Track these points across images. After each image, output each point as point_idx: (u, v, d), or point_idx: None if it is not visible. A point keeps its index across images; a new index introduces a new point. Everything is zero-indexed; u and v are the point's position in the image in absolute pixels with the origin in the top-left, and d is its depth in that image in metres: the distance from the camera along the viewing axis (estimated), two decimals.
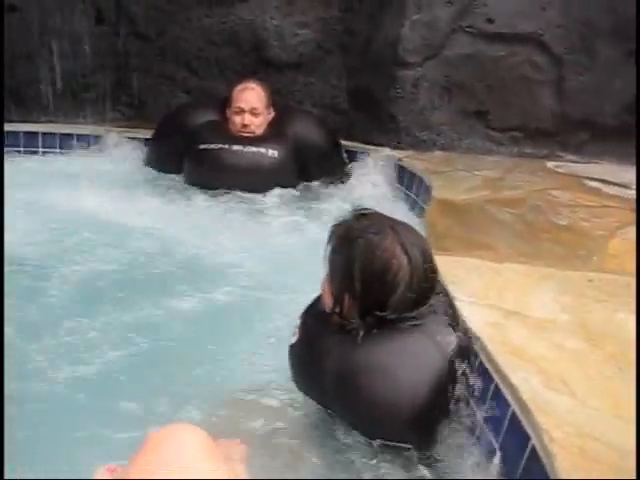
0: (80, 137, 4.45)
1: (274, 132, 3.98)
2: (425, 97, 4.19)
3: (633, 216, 3.00)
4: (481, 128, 4.24)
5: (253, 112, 3.95)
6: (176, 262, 3.06)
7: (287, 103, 4.37)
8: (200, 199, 3.77)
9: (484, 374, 1.85)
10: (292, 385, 2.04)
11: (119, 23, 4.60)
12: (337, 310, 1.91)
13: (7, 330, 2.32)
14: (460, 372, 1.89)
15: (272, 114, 4.04)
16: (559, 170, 3.94)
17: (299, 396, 2.02)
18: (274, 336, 2.28)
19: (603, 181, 3.64)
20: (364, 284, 1.85)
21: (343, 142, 4.20)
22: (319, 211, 3.57)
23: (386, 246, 1.85)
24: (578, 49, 4.08)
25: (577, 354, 1.87)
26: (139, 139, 4.39)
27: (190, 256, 3.12)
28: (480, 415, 1.84)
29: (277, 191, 3.86)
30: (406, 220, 2.13)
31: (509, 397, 1.71)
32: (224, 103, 4.04)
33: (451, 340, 1.87)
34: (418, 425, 1.82)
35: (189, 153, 3.99)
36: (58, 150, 4.44)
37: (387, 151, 4.12)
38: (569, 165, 4.02)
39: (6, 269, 2.56)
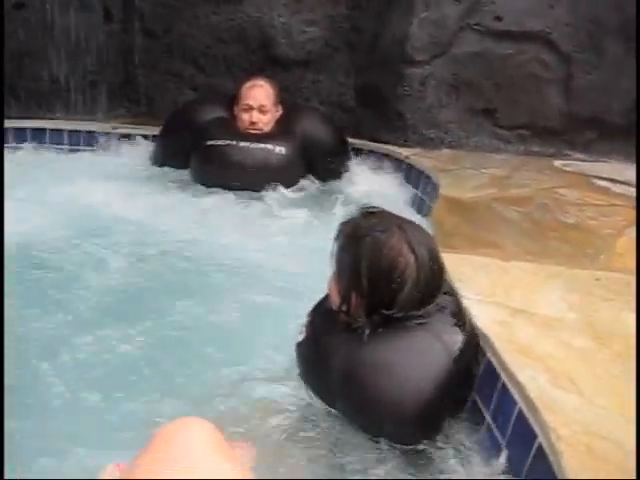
0: (87, 133, 4.46)
1: (282, 129, 3.98)
2: (433, 95, 4.18)
3: None
4: (489, 126, 4.24)
5: (261, 109, 3.95)
6: (185, 259, 3.06)
7: (295, 100, 4.37)
8: (207, 196, 3.76)
9: (491, 372, 1.86)
10: (300, 384, 2.04)
11: (127, 20, 4.61)
12: (344, 308, 1.91)
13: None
14: (467, 371, 1.89)
15: (280, 112, 4.03)
16: (566, 169, 3.93)
17: (306, 395, 2.02)
18: (285, 335, 2.25)
19: (611, 180, 3.63)
20: (371, 282, 1.85)
21: (350, 140, 4.19)
22: (326, 208, 3.56)
23: (393, 244, 1.85)
24: (586, 47, 4.07)
25: (584, 352, 1.87)
26: (146, 136, 4.39)
27: (199, 254, 3.11)
28: (487, 413, 1.85)
29: (284, 188, 3.85)
30: (413, 218, 2.14)
31: (516, 395, 1.71)
32: (232, 100, 4.04)
33: (458, 339, 1.86)
34: (424, 424, 1.82)
35: (196, 149, 3.99)
36: (66, 146, 4.45)
37: (394, 149, 4.11)
38: (577, 164, 4.01)
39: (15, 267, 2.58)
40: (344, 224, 1.96)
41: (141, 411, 2.03)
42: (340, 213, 2.71)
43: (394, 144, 4.19)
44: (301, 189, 3.92)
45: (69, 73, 4.58)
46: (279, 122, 4.01)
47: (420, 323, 1.86)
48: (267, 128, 3.97)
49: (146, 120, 4.61)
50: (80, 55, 4.56)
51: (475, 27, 4.10)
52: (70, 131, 4.48)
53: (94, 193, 3.60)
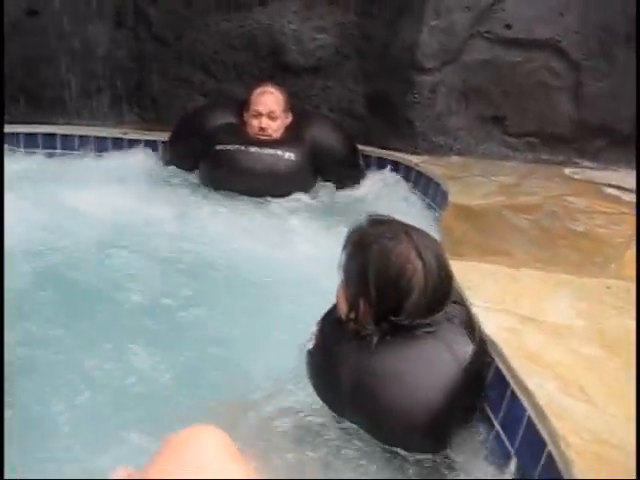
0: (98, 139, 4.48)
1: (291, 136, 3.99)
2: (442, 102, 4.19)
3: None
4: (498, 134, 4.24)
5: (271, 116, 3.96)
6: (195, 265, 3.08)
7: (304, 107, 4.38)
8: (216, 201, 3.77)
9: (500, 379, 1.86)
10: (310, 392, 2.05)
11: (138, 27, 4.63)
12: (352, 316, 1.92)
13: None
14: (476, 380, 1.89)
15: (289, 118, 4.04)
16: (576, 176, 3.93)
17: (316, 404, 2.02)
18: (295, 342, 2.26)
19: (620, 188, 3.63)
20: (379, 289, 1.85)
21: (359, 147, 4.20)
22: (335, 215, 3.57)
23: (400, 251, 1.85)
24: (596, 55, 4.06)
25: (594, 360, 1.87)
26: (156, 141, 4.41)
27: (208, 259, 3.12)
28: (496, 420, 1.85)
29: (293, 194, 3.86)
30: (422, 225, 2.13)
31: (525, 402, 1.72)
32: (242, 106, 4.05)
33: (467, 348, 1.86)
34: (433, 433, 1.83)
35: (206, 154, 4.00)
36: (76, 152, 4.47)
37: (403, 156, 4.12)
38: (586, 171, 4.00)
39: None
40: (351, 232, 1.97)
41: (152, 418, 2.04)
42: (348, 220, 2.71)
43: (403, 151, 4.19)
44: (310, 196, 3.92)
45: (80, 79, 4.60)
46: (289, 129, 4.02)
47: (429, 332, 1.86)
48: (277, 134, 3.98)
49: (156, 126, 4.62)
50: (91, 61, 4.58)
51: (485, 35, 4.10)
52: (80, 136, 4.50)
53: (106, 199, 3.61)
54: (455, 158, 4.19)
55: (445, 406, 1.80)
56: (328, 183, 4.03)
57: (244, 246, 3.22)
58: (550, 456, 1.55)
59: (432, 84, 4.16)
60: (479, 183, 3.71)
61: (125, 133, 4.51)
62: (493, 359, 1.92)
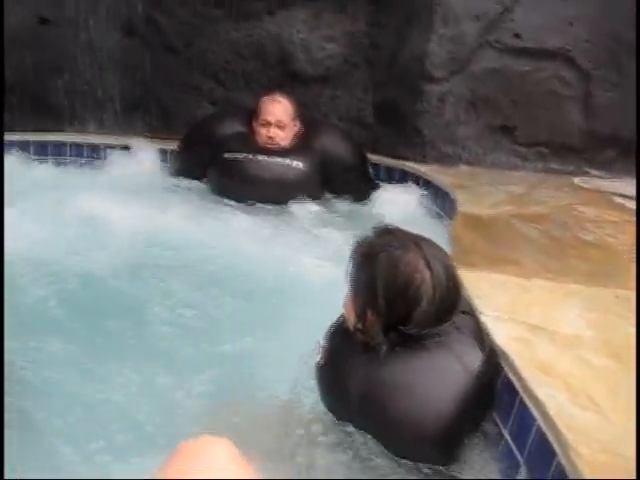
0: (107, 147, 4.50)
1: (300, 145, 3.99)
2: (451, 111, 4.19)
3: None
4: (507, 143, 4.23)
5: (279, 125, 3.97)
6: (204, 273, 3.09)
7: (313, 116, 4.39)
8: (226, 209, 3.78)
9: (510, 389, 1.85)
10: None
11: (148, 35, 4.65)
12: (360, 327, 1.91)
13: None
14: (486, 390, 1.88)
15: (298, 127, 4.05)
16: (585, 186, 3.92)
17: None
18: (305, 353, 2.26)
19: (630, 197, 3.61)
20: (387, 299, 1.84)
21: (368, 156, 4.20)
22: (344, 224, 3.57)
23: (409, 260, 1.84)
24: (606, 64, 4.07)
25: (604, 371, 1.86)
26: (166, 149, 4.42)
27: (218, 267, 3.13)
28: (505, 430, 1.84)
29: (301, 203, 3.86)
30: (431, 234, 2.12)
31: (535, 413, 1.70)
32: (251, 115, 4.06)
33: (477, 358, 1.85)
34: (443, 445, 1.81)
35: (214, 162, 4.02)
36: (85, 160, 4.49)
37: (412, 165, 4.12)
38: (596, 181, 4.00)
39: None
40: (359, 242, 1.95)
41: (162, 425, 2.04)
42: (356, 229, 2.70)
43: (412, 160, 4.20)
44: (319, 204, 3.92)
45: (90, 87, 4.63)
46: (298, 137, 4.03)
47: (438, 342, 1.85)
48: (285, 143, 3.99)
49: (165, 134, 4.64)
50: (102, 69, 4.61)
51: (494, 44, 4.11)
52: (90, 145, 4.52)
53: (112, 206, 3.61)
54: (464, 167, 4.18)
55: (455, 417, 1.79)
56: (337, 191, 4.03)
57: (255, 254, 3.23)
58: (560, 466, 1.53)
59: (441, 93, 4.16)
60: (488, 192, 3.70)
61: (134, 141, 4.52)
62: (503, 369, 1.91)
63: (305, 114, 4.16)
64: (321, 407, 2.02)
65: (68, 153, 4.50)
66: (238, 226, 3.58)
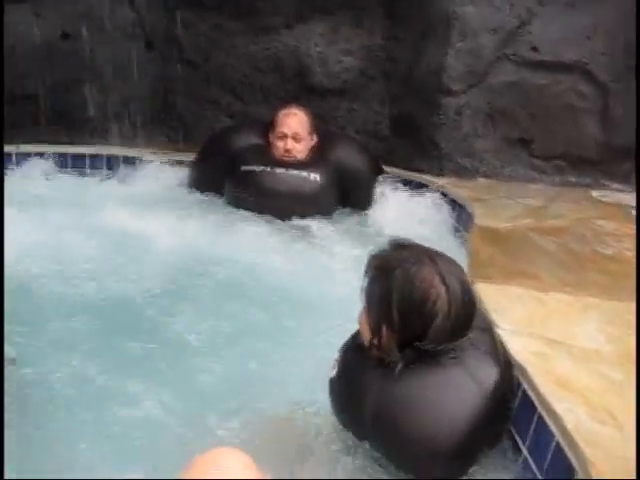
0: (126, 159, 4.53)
1: (317, 157, 4.00)
2: (468, 124, 4.19)
3: None
4: (524, 156, 4.22)
5: (296, 137, 3.98)
6: (223, 284, 3.11)
7: (329, 128, 4.41)
8: (242, 221, 3.78)
9: (528, 404, 1.84)
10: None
11: (167, 50, 4.70)
12: (375, 342, 1.90)
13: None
14: (502, 407, 1.87)
15: (315, 140, 4.06)
16: (603, 199, 3.90)
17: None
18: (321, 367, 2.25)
19: None
20: (402, 314, 1.84)
21: (385, 168, 4.21)
22: (361, 237, 3.57)
23: (424, 276, 1.84)
24: (623, 77, 4.05)
25: (623, 385, 1.85)
26: (183, 162, 4.45)
27: (237, 278, 3.16)
28: (523, 446, 1.83)
29: (318, 215, 3.87)
30: (448, 248, 2.13)
31: (553, 428, 1.70)
32: (267, 127, 4.08)
33: (493, 375, 1.85)
34: (456, 460, 1.81)
35: (231, 175, 4.02)
36: (105, 172, 4.53)
37: (429, 178, 4.12)
38: (614, 194, 3.97)
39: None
40: (374, 257, 1.95)
41: (178, 437, 2.04)
42: (373, 241, 2.71)
43: (429, 173, 4.19)
44: (336, 217, 3.93)
45: (110, 101, 4.67)
46: (314, 150, 4.04)
47: (453, 358, 1.84)
48: (301, 156, 3.99)
49: (184, 147, 4.67)
50: (121, 83, 4.65)
51: (511, 57, 4.11)
52: (109, 157, 4.56)
53: (130, 217, 3.64)
54: (481, 180, 4.18)
55: (469, 433, 1.78)
56: (353, 204, 4.03)
57: (272, 266, 3.25)
58: None
59: (458, 106, 4.17)
60: (505, 205, 3.70)
61: (153, 153, 4.55)
62: (519, 384, 1.90)
63: (321, 126, 4.17)
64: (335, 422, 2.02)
65: (87, 165, 4.54)
66: (255, 238, 3.58)
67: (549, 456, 1.68)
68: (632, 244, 3.05)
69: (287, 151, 3.96)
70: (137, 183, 4.31)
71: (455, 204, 3.81)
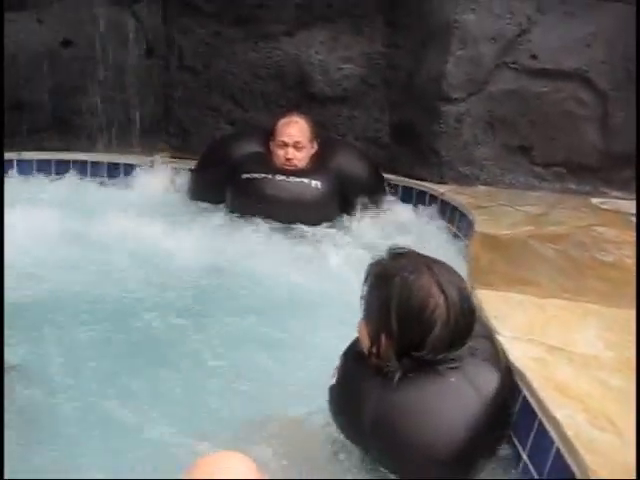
0: (127, 166, 4.54)
1: (317, 164, 4.00)
2: (468, 132, 4.20)
3: None
4: (524, 164, 4.23)
5: (296, 146, 3.97)
6: (223, 289, 3.13)
7: (330, 135, 4.41)
8: (244, 229, 3.78)
9: (528, 410, 1.84)
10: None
11: (168, 56, 4.71)
12: (374, 351, 1.90)
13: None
14: (502, 415, 1.87)
15: (315, 148, 4.06)
16: (603, 206, 3.91)
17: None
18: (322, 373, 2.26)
19: None
20: (400, 323, 1.84)
21: (385, 176, 4.22)
22: (361, 244, 3.57)
23: (422, 285, 1.84)
24: (623, 85, 4.06)
25: (622, 392, 1.85)
26: (184, 169, 4.46)
27: (237, 285, 3.17)
28: (523, 452, 1.83)
29: (319, 222, 3.87)
30: (448, 255, 2.13)
31: (553, 434, 1.70)
32: (268, 135, 4.09)
33: (491, 382, 1.85)
34: (455, 466, 1.80)
35: (232, 182, 4.02)
36: (105, 178, 4.54)
37: (429, 185, 4.13)
38: (614, 201, 3.98)
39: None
40: (372, 265, 1.96)
41: (176, 442, 2.04)
42: (373, 248, 2.71)
43: (429, 180, 4.20)
44: (336, 224, 3.93)
45: (111, 107, 4.69)
46: (315, 157, 4.04)
47: (452, 367, 1.84)
48: (303, 164, 3.99)
49: (184, 154, 4.68)
50: (122, 90, 4.67)
51: (511, 65, 4.12)
52: (110, 164, 4.57)
53: (131, 225, 3.64)
54: (481, 188, 4.18)
55: (469, 440, 1.78)
56: (354, 211, 4.03)
57: (273, 272, 3.26)
58: None
59: (458, 114, 4.18)
60: (506, 213, 3.71)
61: (152, 161, 4.56)
62: (520, 391, 1.90)
63: (322, 133, 4.18)
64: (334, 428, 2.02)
65: (88, 172, 4.55)
66: (255, 245, 3.59)
67: (549, 462, 1.68)
68: (632, 251, 3.06)
69: (288, 160, 3.95)
70: (138, 190, 4.32)
71: (456, 211, 3.82)
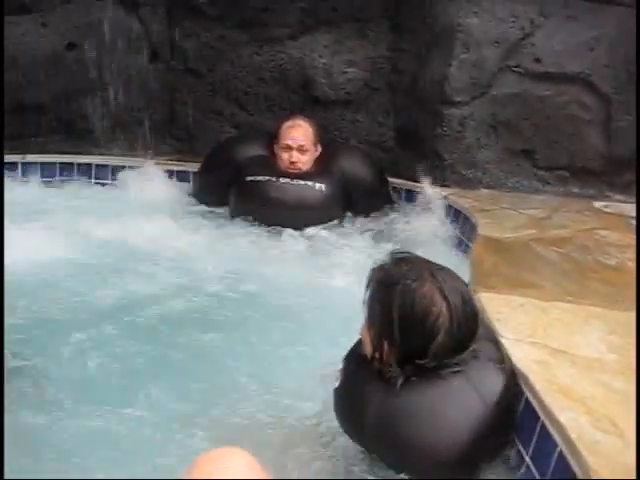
0: (131, 169, 4.55)
1: (321, 167, 4.00)
2: (471, 135, 4.21)
3: None
4: (528, 167, 4.24)
5: (300, 149, 3.97)
6: (225, 291, 3.12)
7: (333, 138, 4.42)
8: (247, 231, 3.81)
9: (531, 413, 1.84)
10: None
11: (172, 60, 4.73)
12: (376, 356, 1.91)
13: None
14: (505, 418, 1.87)
15: (319, 151, 4.07)
16: (606, 210, 3.91)
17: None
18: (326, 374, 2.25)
19: None
20: (403, 332, 1.84)
21: (389, 179, 4.23)
22: (365, 247, 3.59)
23: (425, 293, 1.84)
24: (625, 89, 4.07)
25: (625, 394, 1.85)
26: (188, 172, 4.47)
27: (240, 287, 3.17)
28: (526, 454, 1.83)
29: (324, 225, 3.88)
30: (451, 257, 2.13)
31: (556, 436, 1.70)
32: (272, 138, 4.09)
33: (495, 386, 1.85)
34: (459, 471, 1.81)
35: (236, 185, 4.03)
36: (110, 181, 4.55)
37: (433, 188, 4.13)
38: (617, 205, 3.99)
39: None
40: (375, 270, 1.95)
41: (177, 439, 2.05)
42: (376, 252, 2.73)
43: (432, 184, 4.20)
44: (340, 227, 3.93)
45: (115, 111, 4.70)
46: (319, 160, 4.04)
47: (455, 371, 1.84)
48: (306, 167, 3.99)
49: (188, 157, 4.69)
50: (126, 93, 4.69)
51: (514, 69, 4.13)
52: (115, 167, 4.58)
53: (135, 227, 3.67)
54: (485, 191, 4.19)
55: (472, 443, 1.79)
56: (358, 213, 4.04)
57: (277, 274, 3.27)
58: None
59: (461, 117, 4.19)
60: (509, 216, 3.71)
61: (157, 164, 4.57)
62: (522, 394, 1.91)
63: (325, 136, 4.19)
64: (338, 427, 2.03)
65: (93, 175, 4.56)
66: (258, 248, 3.61)
67: (552, 464, 1.69)
68: (634, 254, 3.06)
69: (292, 163, 3.95)
70: (142, 193, 4.33)
71: (459, 214, 3.83)
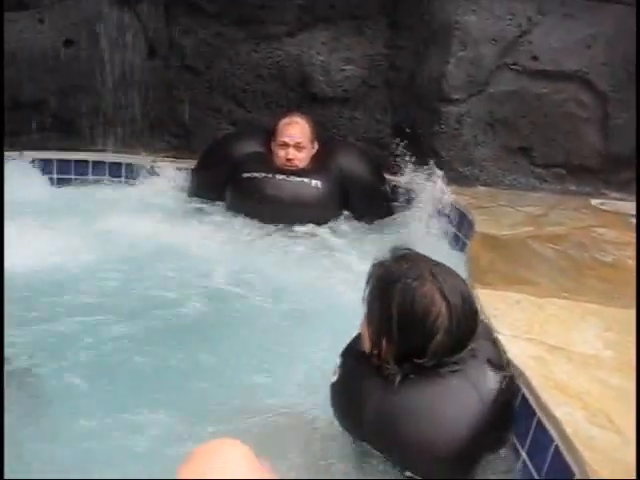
0: (129, 166, 4.55)
1: (318, 164, 4.01)
2: (469, 133, 4.21)
3: None
4: (525, 164, 4.25)
5: (297, 146, 3.98)
6: (222, 289, 3.12)
7: (330, 135, 4.42)
8: (244, 229, 3.80)
9: (527, 408, 1.85)
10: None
11: (170, 57, 4.72)
12: (375, 352, 1.91)
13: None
14: (503, 415, 1.88)
15: (316, 148, 4.07)
16: (603, 207, 3.93)
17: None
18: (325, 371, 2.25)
19: None
20: (402, 330, 1.85)
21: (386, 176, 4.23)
22: (363, 244, 3.60)
23: (424, 292, 1.84)
24: (623, 86, 4.08)
25: (621, 390, 1.86)
26: (185, 169, 4.47)
27: (236, 284, 3.17)
28: (522, 450, 1.84)
29: (320, 222, 3.88)
30: (448, 254, 2.13)
31: (552, 432, 1.71)
32: (269, 135, 4.09)
33: (493, 384, 1.86)
34: (457, 467, 1.82)
35: (232, 182, 4.03)
36: (107, 178, 4.55)
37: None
38: (613, 202, 4.00)
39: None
40: (375, 267, 1.95)
41: (176, 431, 2.06)
42: (375, 248, 2.72)
43: (430, 181, 4.20)
44: (337, 224, 3.93)
45: (113, 107, 4.70)
46: (316, 157, 4.04)
47: (454, 370, 1.85)
48: (303, 164, 3.99)
49: (186, 153, 4.68)
50: (124, 90, 4.68)
51: (512, 66, 4.14)
52: (111, 164, 4.58)
53: (132, 224, 3.67)
54: (482, 188, 4.20)
55: (470, 439, 1.79)
56: (355, 211, 4.04)
57: (274, 271, 3.27)
58: None
59: (458, 115, 4.19)
60: (506, 213, 3.72)
61: (154, 161, 4.57)
62: (519, 389, 1.91)
63: (322, 133, 4.19)
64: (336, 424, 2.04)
65: (90, 172, 4.56)
66: (255, 245, 3.61)
67: (548, 460, 1.69)
68: (631, 252, 3.08)
69: (289, 160, 3.96)
70: (139, 190, 4.33)
71: (456, 211, 3.83)
